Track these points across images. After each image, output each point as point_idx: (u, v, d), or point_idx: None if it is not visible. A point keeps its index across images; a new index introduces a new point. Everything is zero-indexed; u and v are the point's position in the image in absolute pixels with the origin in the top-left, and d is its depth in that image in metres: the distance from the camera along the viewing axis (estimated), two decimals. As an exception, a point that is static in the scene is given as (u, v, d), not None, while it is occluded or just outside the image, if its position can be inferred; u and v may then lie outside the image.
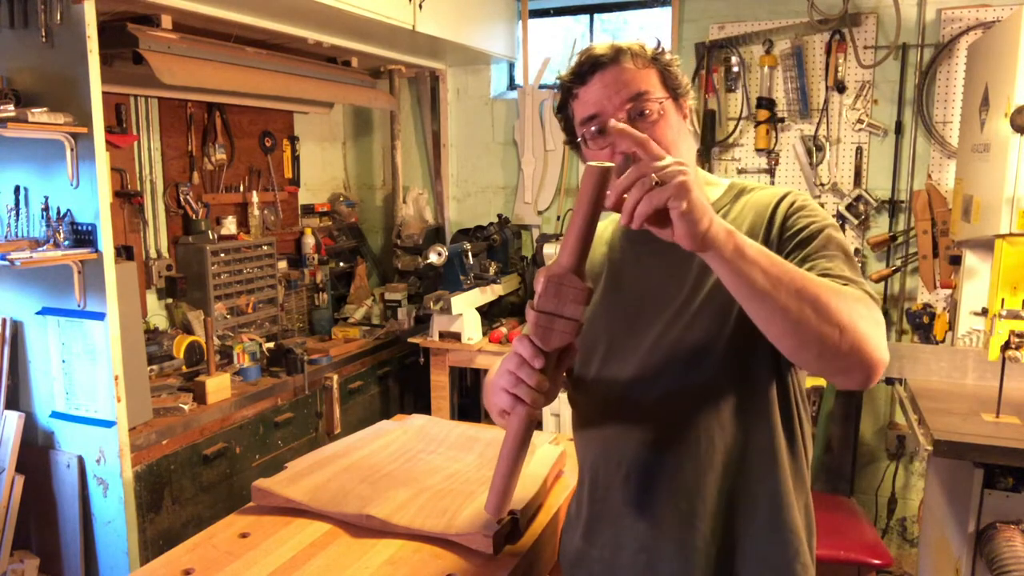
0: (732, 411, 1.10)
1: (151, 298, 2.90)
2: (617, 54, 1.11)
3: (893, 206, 3.20)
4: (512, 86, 3.96)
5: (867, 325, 0.93)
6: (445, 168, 3.93)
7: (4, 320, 2.21)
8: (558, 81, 1.18)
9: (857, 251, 3.25)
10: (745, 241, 0.90)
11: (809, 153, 3.26)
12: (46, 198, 2.08)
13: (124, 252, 2.44)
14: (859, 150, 3.21)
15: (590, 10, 3.70)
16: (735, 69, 3.33)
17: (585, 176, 0.93)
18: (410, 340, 3.30)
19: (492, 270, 3.48)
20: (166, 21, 2.37)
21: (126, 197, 2.77)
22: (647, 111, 1.09)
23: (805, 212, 1.10)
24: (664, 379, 1.12)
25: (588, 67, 1.12)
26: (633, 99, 1.09)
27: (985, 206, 2.34)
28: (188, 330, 2.88)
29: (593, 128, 1.12)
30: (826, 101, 3.21)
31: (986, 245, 2.37)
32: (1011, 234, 2.14)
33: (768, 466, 1.10)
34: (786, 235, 1.09)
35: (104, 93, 2.03)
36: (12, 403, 2.23)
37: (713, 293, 1.09)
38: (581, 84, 1.13)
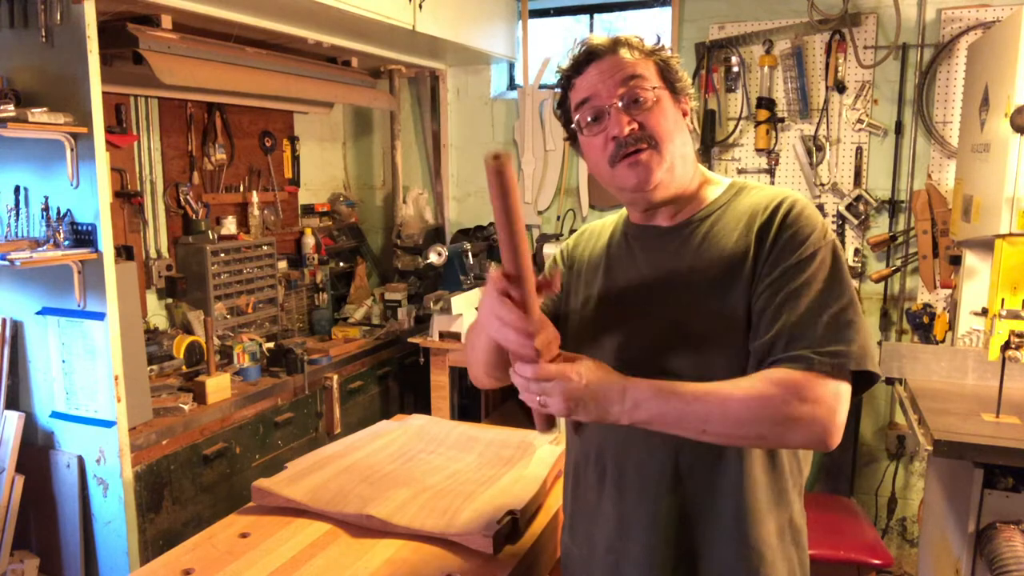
0: None
1: (151, 298, 2.90)
2: (615, 44, 1.12)
3: (893, 206, 3.20)
4: (512, 86, 3.96)
5: (799, 424, 0.98)
6: (445, 168, 3.93)
7: (4, 320, 2.21)
8: (559, 74, 1.17)
9: (857, 251, 3.25)
10: (642, 406, 0.99)
11: (809, 153, 3.26)
12: (46, 198, 2.08)
13: (124, 252, 2.44)
14: (859, 150, 3.21)
15: (590, 10, 3.70)
16: (735, 69, 3.33)
17: (488, 177, 0.97)
18: (410, 340, 3.30)
19: (492, 270, 3.48)
20: (166, 21, 2.37)
21: (126, 197, 2.76)
22: (641, 98, 1.08)
23: (798, 229, 1.06)
24: None
25: (585, 57, 1.12)
26: (626, 82, 1.09)
27: (985, 206, 2.34)
28: (188, 330, 2.87)
29: (588, 117, 1.11)
30: (826, 101, 3.21)
31: (986, 245, 2.37)
32: (1011, 234, 2.14)
33: (737, 480, 1.09)
34: (772, 256, 1.06)
35: (104, 93, 2.03)
36: (12, 403, 2.23)
37: (695, 307, 1.09)
38: (577, 74, 1.13)
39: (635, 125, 1.08)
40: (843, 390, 1.00)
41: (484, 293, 1.06)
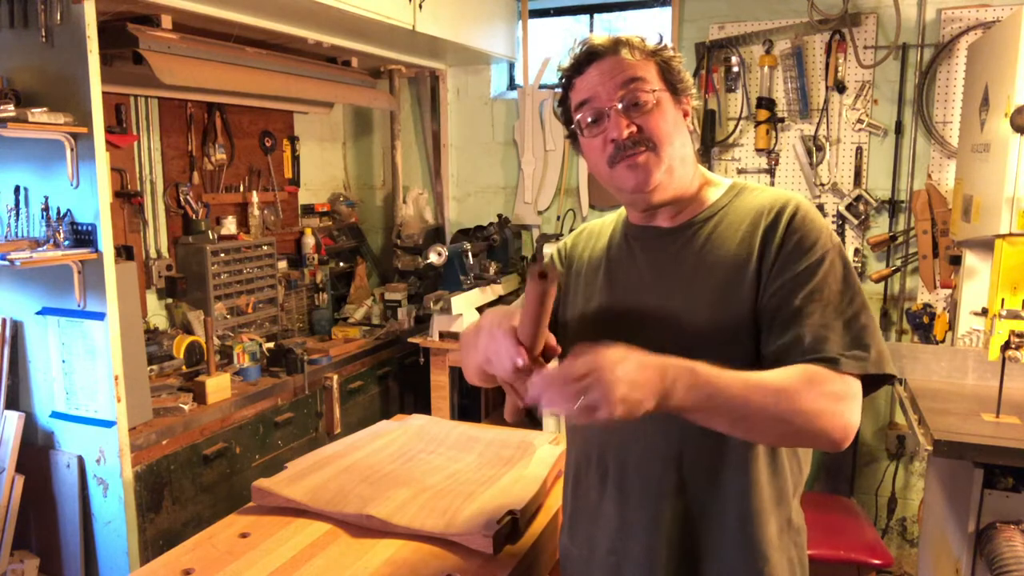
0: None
1: (151, 298, 2.90)
2: (615, 45, 1.11)
3: (893, 206, 3.20)
4: (512, 86, 3.96)
5: (823, 421, 0.98)
6: (445, 168, 3.93)
7: (4, 320, 2.21)
8: (559, 73, 1.17)
9: (857, 251, 3.25)
10: (693, 401, 0.94)
11: (809, 153, 3.26)
12: (46, 198, 2.08)
13: (124, 252, 2.44)
14: (859, 150, 3.21)
15: (590, 10, 3.70)
16: (735, 69, 3.33)
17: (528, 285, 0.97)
18: (410, 340, 3.30)
19: (492, 270, 3.48)
20: (166, 21, 2.37)
21: (126, 197, 2.76)
22: (641, 100, 1.08)
23: (805, 234, 1.07)
24: None
25: (585, 57, 1.12)
26: (626, 85, 1.08)
27: (985, 206, 2.34)
28: (188, 330, 2.87)
29: (588, 118, 1.11)
30: (826, 101, 3.21)
31: (986, 245, 2.37)
32: (1011, 234, 2.14)
33: (741, 483, 1.09)
34: (779, 260, 1.06)
35: (104, 93, 2.03)
36: (12, 403, 2.23)
37: (698, 308, 1.09)
38: (578, 74, 1.13)
39: (634, 128, 1.08)
40: (858, 392, 1.02)
41: (490, 330, 1.06)
